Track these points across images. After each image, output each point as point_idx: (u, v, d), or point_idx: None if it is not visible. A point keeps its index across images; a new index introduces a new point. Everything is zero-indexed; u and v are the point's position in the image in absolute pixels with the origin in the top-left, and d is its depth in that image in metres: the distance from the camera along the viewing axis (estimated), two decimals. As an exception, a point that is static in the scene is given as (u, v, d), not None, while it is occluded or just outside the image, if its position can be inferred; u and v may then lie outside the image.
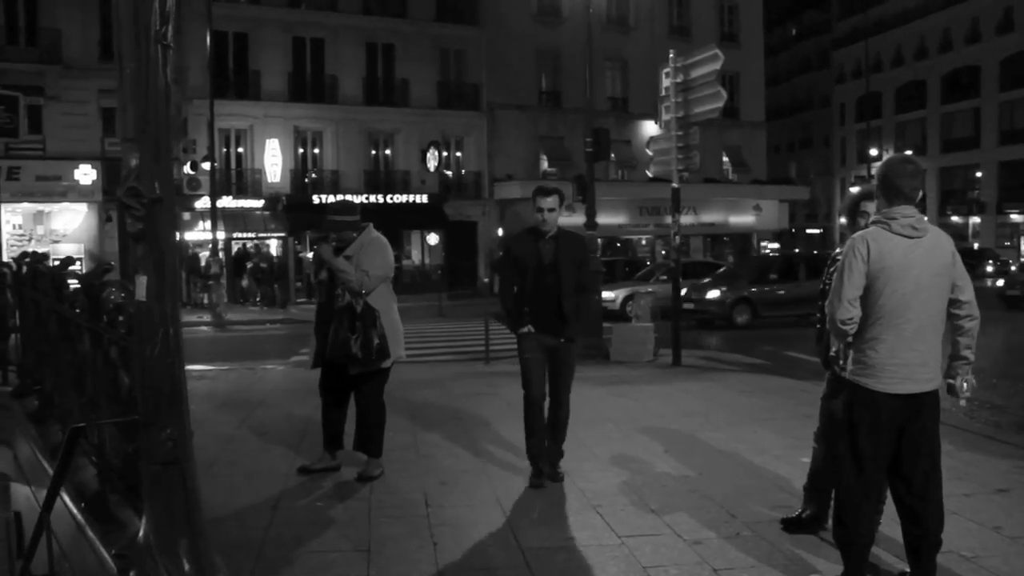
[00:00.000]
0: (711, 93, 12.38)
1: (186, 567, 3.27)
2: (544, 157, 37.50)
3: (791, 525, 5.29)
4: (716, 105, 12.36)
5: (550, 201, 6.43)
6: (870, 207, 4.82)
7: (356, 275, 6.13)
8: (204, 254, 28.57)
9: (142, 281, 3.15)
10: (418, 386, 10.53)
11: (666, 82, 13.04)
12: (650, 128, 37.94)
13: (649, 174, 14.59)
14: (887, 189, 4.09)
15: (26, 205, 28.07)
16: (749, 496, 5.98)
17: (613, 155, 33.30)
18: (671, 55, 13.07)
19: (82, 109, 29.34)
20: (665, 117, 13.06)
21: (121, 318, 3.94)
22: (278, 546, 5.05)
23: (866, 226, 4.72)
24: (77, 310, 4.83)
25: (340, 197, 28.41)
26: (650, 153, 13.86)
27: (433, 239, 33.67)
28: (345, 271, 6.16)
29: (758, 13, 44.03)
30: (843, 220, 5.38)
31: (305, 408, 9.02)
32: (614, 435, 7.95)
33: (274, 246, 32.49)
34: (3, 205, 27.74)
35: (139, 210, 3.12)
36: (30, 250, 10.67)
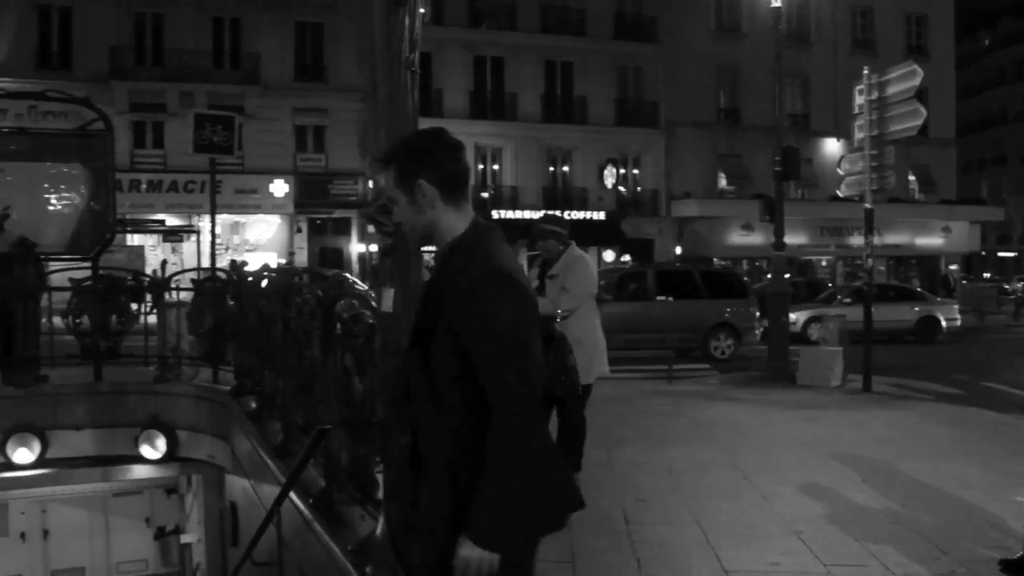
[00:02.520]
0: (909, 111, 11.93)
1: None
2: (722, 175, 36.98)
3: (1011, 567, 5.03)
4: (915, 123, 11.90)
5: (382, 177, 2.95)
6: None
7: (554, 302, 6.30)
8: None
9: (389, 294, 3.34)
10: (604, 402, 10.53)
11: (859, 99, 12.63)
12: (831, 146, 36.88)
13: (840, 194, 14.18)
14: None
15: (224, 216, 29.87)
16: (959, 533, 5.73)
17: (796, 173, 32.57)
18: (865, 71, 12.66)
19: (277, 127, 31.13)
20: (858, 135, 12.66)
21: (356, 328, 4.17)
22: (484, 553, 5.19)
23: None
24: (307, 318, 5.15)
25: (548, 212, 29.04)
26: (841, 172, 13.46)
27: (609, 256, 33.74)
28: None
29: (949, 24, 41.95)
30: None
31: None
32: (808, 461, 7.77)
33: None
34: (204, 216, 29.76)
35: (388, 226, 3.31)
36: (238, 260, 11.36)
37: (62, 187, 10.59)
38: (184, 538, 19.15)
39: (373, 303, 4.06)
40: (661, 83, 35.69)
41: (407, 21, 3.38)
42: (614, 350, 7.30)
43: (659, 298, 18.39)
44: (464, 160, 2.60)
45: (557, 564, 5.06)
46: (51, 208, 10.54)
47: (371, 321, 3.98)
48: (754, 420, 9.90)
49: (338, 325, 4.47)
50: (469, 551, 2.37)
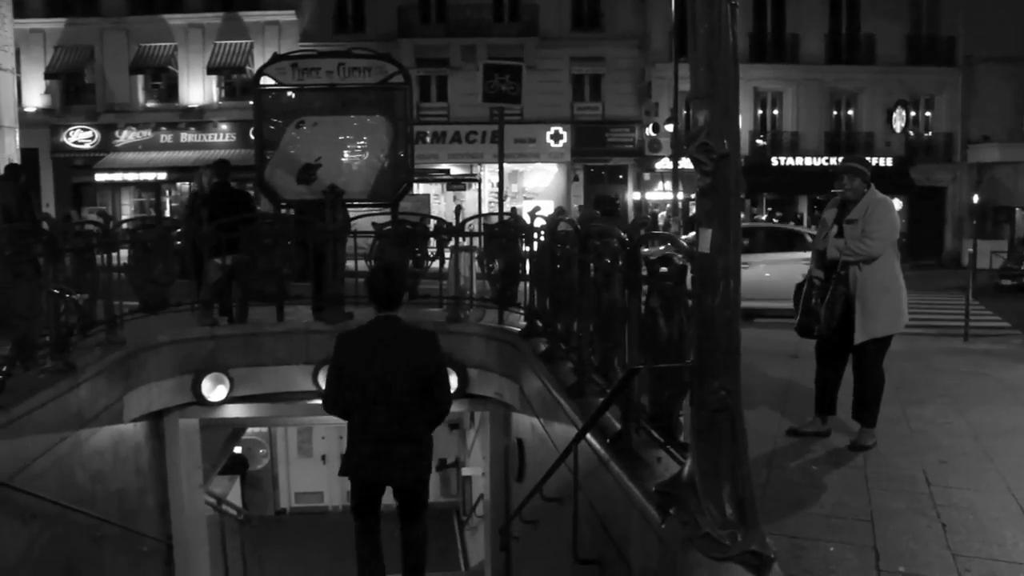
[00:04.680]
0: None
1: (728, 512, 3.38)
2: (1029, 116, 33.66)
3: None
4: None
5: None
6: None
7: (847, 246, 6.10)
8: (662, 213, 29.47)
9: (707, 234, 3.29)
10: (894, 358, 9.91)
11: None
12: None
13: None
14: None
15: (504, 165, 30.89)
16: None
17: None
18: None
19: (554, 77, 31.68)
20: None
21: (663, 269, 4.16)
22: (779, 504, 5.09)
23: None
24: (607, 261, 5.20)
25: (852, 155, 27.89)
26: None
27: (897, 205, 31.77)
28: (841, 252, 6.13)
29: None
30: None
31: (781, 370, 9.02)
32: None
33: (727, 208, 32.65)
34: (485, 165, 30.91)
35: (708, 165, 3.26)
36: (518, 207, 11.70)
37: (365, 138, 11.30)
38: (465, 471, 20.27)
39: (684, 243, 4.04)
40: (960, 16, 32.71)
41: (726, -49, 3.28)
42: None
43: None
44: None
45: (854, 521, 4.88)
46: (356, 157, 11.27)
47: (681, 262, 3.96)
48: (1072, 386, 9.01)
49: (645, 267, 4.48)
50: None
